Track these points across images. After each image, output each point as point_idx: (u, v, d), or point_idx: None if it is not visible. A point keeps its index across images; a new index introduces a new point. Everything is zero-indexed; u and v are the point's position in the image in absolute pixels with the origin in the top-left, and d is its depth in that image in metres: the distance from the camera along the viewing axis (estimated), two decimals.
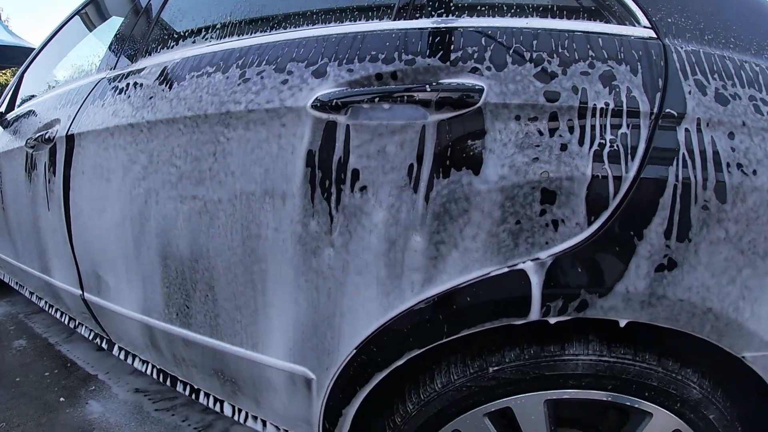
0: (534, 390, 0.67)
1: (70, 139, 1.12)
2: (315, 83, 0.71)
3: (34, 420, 1.35)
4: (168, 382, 1.12)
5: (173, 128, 0.86)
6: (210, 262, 0.83)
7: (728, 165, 0.54)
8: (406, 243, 0.65)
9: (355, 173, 0.67)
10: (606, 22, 0.64)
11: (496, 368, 0.67)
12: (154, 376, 1.15)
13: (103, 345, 1.34)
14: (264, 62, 0.78)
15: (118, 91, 1.03)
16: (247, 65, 0.80)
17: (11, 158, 1.43)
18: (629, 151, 0.55)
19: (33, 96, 1.63)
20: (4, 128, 1.60)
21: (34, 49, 1.78)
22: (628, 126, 0.56)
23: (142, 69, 1.01)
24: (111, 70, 1.14)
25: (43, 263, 1.38)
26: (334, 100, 0.67)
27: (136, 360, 1.21)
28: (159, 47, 1.06)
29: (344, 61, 0.70)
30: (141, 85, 0.97)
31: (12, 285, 1.92)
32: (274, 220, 0.74)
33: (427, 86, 0.63)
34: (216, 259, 0.82)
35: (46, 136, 1.20)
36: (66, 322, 1.53)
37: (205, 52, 0.89)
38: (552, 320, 0.60)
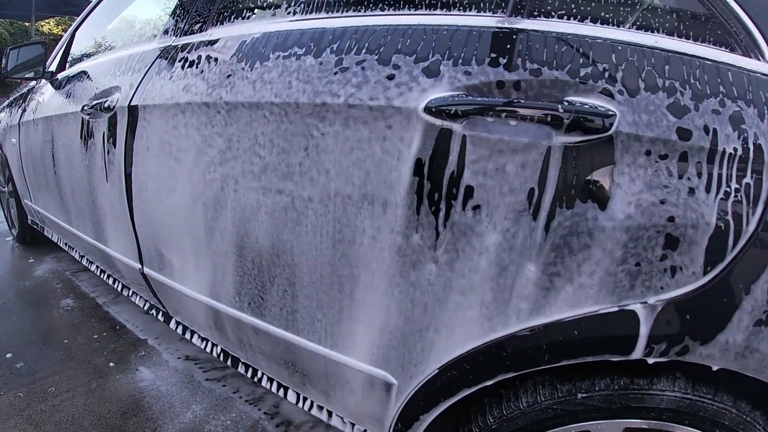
0: (616, 418, 0.67)
1: (132, 110, 1.07)
2: (427, 83, 0.65)
3: (84, 385, 1.34)
4: (229, 362, 1.13)
5: (257, 114, 0.81)
6: (294, 259, 0.80)
7: None
8: (518, 270, 0.61)
9: (469, 190, 0.62)
10: (731, 50, 0.56)
11: (584, 395, 0.67)
12: (215, 354, 1.16)
13: (159, 317, 1.34)
14: (364, 50, 0.71)
15: (188, 63, 0.98)
16: (344, 51, 0.73)
17: (65, 123, 1.40)
18: (751, 204, 0.53)
19: (85, 56, 1.57)
20: (56, 89, 1.56)
21: None
22: (752, 176, 0.52)
23: (215, 41, 0.95)
24: (177, 37, 1.08)
25: (98, 232, 1.38)
26: (453, 108, 0.61)
27: (195, 336, 1.22)
28: (232, 16, 0.99)
29: (460, 61, 0.63)
30: (216, 60, 0.92)
31: (60, 245, 1.93)
32: (372, 228, 0.70)
33: (560, 106, 0.57)
34: (301, 258, 0.79)
35: (105, 105, 1.16)
36: (119, 289, 1.53)
37: (290, 29, 0.83)
38: (651, 360, 0.60)
